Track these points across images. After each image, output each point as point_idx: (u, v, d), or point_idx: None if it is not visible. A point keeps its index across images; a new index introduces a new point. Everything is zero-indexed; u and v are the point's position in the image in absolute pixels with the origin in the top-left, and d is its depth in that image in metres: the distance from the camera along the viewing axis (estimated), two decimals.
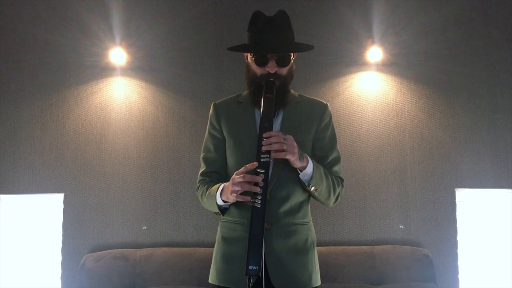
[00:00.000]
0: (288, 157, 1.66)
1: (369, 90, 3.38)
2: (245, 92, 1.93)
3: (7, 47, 3.37)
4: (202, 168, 1.94)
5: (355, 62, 3.40)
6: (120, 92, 3.37)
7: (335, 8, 3.42)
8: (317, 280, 1.84)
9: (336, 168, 1.89)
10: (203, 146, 1.97)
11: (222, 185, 1.77)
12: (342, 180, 1.90)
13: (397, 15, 3.39)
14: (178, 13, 3.43)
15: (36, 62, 3.37)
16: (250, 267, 1.57)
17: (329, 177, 1.82)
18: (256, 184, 1.62)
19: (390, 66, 3.39)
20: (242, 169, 1.66)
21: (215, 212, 1.86)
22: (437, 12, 3.40)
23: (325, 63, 3.39)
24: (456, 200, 3.30)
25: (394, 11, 3.39)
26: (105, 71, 3.38)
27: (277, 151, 1.64)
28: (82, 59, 3.37)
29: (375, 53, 3.33)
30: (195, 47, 3.41)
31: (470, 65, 3.39)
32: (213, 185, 1.84)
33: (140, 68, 3.39)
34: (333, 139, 1.92)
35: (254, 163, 1.64)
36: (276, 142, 1.63)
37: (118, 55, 3.32)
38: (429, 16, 3.40)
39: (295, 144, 1.68)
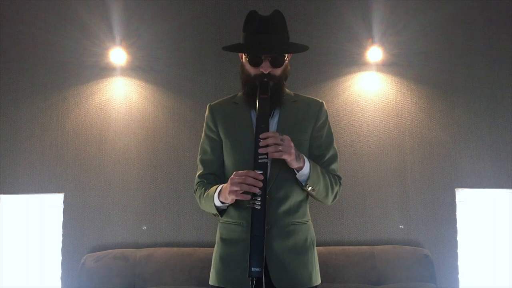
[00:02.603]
0: (284, 157, 1.67)
1: (369, 90, 3.38)
2: (241, 93, 1.93)
3: (7, 47, 3.37)
4: (200, 170, 1.94)
5: (355, 62, 3.39)
6: (120, 92, 3.37)
7: (335, 8, 3.42)
8: (317, 279, 1.84)
9: (333, 166, 1.89)
10: (199, 148, 1.97)
11: (221, 186, 1.77)
12: (340, 178, 1.90)
13: (397, 15, 3.39)
14: (178, 13, 3.43)
15: (36, 62, 3.37)
16: (252, 269, 1.57)
17: (327, 176, 1.82)
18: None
19: (390, 66, 3.39)
20: (244, 171, 1.65)
21: (213, 214, 1.86)
22: (437, 12, 3.40)
23: (325, 63, 3.39)
24: (456, 200, 3.30)
25: (394, 11, 3.39)
26: (105, 71, 3.38)
27: (273, 152, 1.64)
28: (82, 59, 3.37)
29: (375, 53, 3.33)
30: (195, 47, 3.41)
31: (470, 65, 3.39)
32: (211, 186, 1.84)
33: (140, 68, 3.39)
34: (330, 138, 1.92)
35: (260, 175, 1.62)
36: (273, 143, 1.63)
37: (118, 55, 3.32)
38: (429, 16, 3.40)
39: (292, 145, 1.68)
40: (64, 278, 3.23)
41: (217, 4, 3.43)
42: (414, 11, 3.40)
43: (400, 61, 3.39)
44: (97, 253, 3.16)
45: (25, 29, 3.38)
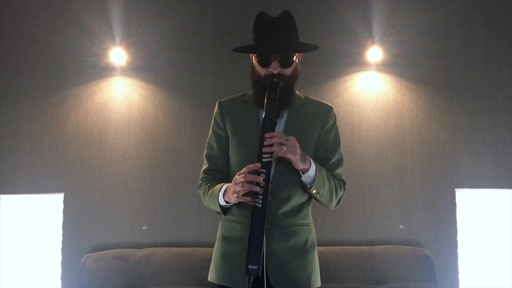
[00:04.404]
0: (289, 156, 1.66)
1: (369, 90, 3.38)
2: (251, 92, 1.93)
3: (7, 47, 3.37)
4: (205, 166, 1.93)
5: (355, 62, 3.39)
6: (120, 92, 3.37)
7: (335, 8, 3.42)
8: (316, 281, 1.84)
9: (338, 170, 1.89)
10: (206, 143, 1.96)
11: (226, 185, 1.76)
12: (344, 183, 1.90)
13: (397, 15, 3.39)
14: (178, 13, 3.43)
15: (36, 62, 3.37)
16: (249, 266, 1.58)
17: (332, 180, 1.82)
18: (257, 184, 1.62)
19: (390, 66, 3.39)
20: (244, 169, 1.66)
21: (216, 212, 1.86)
22: (437, 12, 3.40)
23: (325, 63, 3.39)
24: (456, 200, 3.31)
25: (394, 11, 3.39)
26: (105, 71, 3.38)
27: (277, 150, 1.64)
28: (82, 59, 3.37)
29: (375, 53, 3.33)
30: (195, 47, 3.41)
31: (470, 65, 3.39)
32: (215, 183, 1.84)
33: (140, 68, 3.39)
34: (336, 142, 1.92)
35: (257, 164, 1.63)
36: (277, 142, 1.63)
37: (118, 55, 3.32)
38: (429, 16, 3.40)
39: (297, 145, 1.68)
40: (64, 278, 3.23)
41: (217, 4, 3.43)
42: (414, 11, 3.40)
43: (400, 61, 3.39)
44: (97, 253, 3.16)
45: (25, 29, 3.38)
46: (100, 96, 3.37)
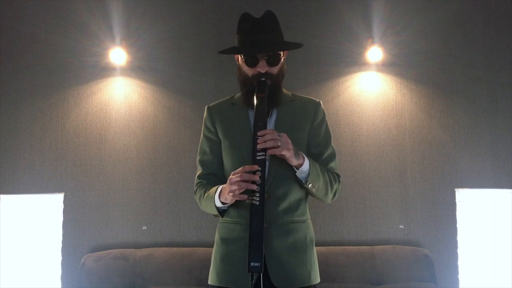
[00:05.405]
0: (283, 153, 1.68)
1: (369, 90, 3.38)
2: (238, 94, 1.94)
3: (7, 47, 3.37)
4: (199, 171, 1.95)
5: (355, 62, 3.40)
6: (120, 92, 3.37)
7: (335, 8, 3.42)
8: (316, 277, 1.85)
9: (332, 164, 1.90)
10: (198, 149, 1.98)
11: (221, 187, 1.77)
12: (338, 176, 1.91)
13: (397, 15, 3.40)
14: (178, 13, 3.43)
15: (36, 62, 3.37)
16: (252, 264, 1.58)
17: (326, 173, 1.83)
18: (253, 182, 1.63)
19: (390, 66, 3.39)
20: (239, 169, 1.67)
21: (214, 214, 1.87)
22: (437, 12, 3.40)
23: (325, 63, 3.39)
24: (456, 200, 3.31)
25: (394, 11, 3.39)
26: (105, 71, 3.38)
27: (272, 147, 1.65)
28: (82, 59, 3.37)
29: (375, 53, 3.33)
30: (195, 47, 3.42)
31: (470, 65, 3.39)
32: (211, 187, 1.85)
33: (140, 68, 3.39)
34: (327, 136, 1.94)
35: (254, 165, 1.64)
36: (271, 139, 1.65)
37: (118, 55, 3.32)
38: (429, 16, 3.40)
39: (290, 141, 1.70)
40: (64, 278, 3.23)
41: (217, 4, 3.43)
42: (414, 11, 3.40)
43: (400, 61, 3.39)
44: (97, 253, 3.16)
45: (25, 29, 3.38)
46: (100, 96, 3.37)
